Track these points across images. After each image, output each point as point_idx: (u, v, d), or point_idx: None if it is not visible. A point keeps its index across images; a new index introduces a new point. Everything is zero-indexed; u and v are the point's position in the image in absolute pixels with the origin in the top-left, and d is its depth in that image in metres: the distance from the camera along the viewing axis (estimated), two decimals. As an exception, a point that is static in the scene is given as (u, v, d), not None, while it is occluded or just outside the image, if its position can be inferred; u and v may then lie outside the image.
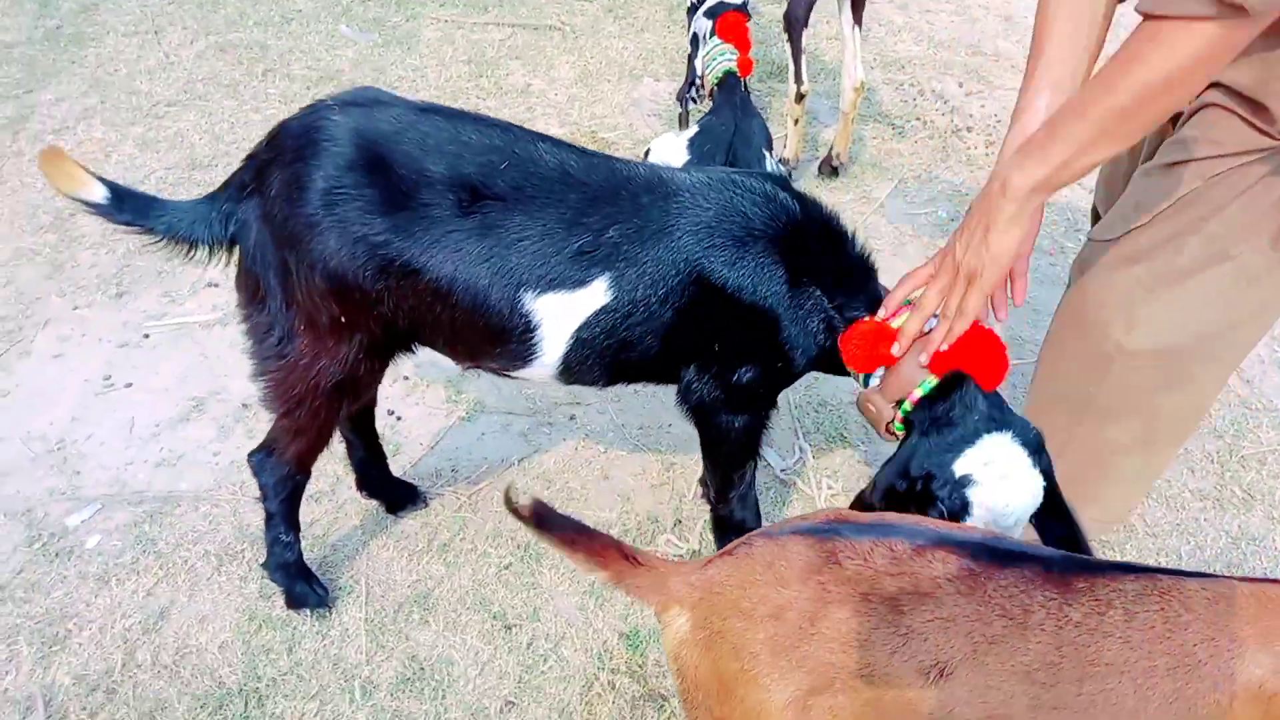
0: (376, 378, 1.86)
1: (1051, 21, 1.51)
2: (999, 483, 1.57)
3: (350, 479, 2.27)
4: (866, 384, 1.74)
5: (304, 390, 1.73)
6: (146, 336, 2.79)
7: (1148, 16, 1.24)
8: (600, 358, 1.76)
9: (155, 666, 1.97)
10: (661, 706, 1.96)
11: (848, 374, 1.80)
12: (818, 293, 1.73)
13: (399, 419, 2.57)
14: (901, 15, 5.03)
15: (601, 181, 1.66)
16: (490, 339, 1.71)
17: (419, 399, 2.63)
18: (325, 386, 1.73)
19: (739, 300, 1.70)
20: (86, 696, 1.91)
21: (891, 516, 1.33)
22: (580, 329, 1.69)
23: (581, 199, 1.64)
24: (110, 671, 1.96)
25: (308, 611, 2.06)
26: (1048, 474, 1.58)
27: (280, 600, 2.07)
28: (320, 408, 1.77)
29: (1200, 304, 1.64)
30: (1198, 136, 1.55)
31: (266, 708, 1.91)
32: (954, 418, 1.61)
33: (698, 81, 3.67)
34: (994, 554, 1.22)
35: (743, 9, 3.68)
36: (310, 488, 2.31)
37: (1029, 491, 1.56)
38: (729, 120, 3.15)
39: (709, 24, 3.60)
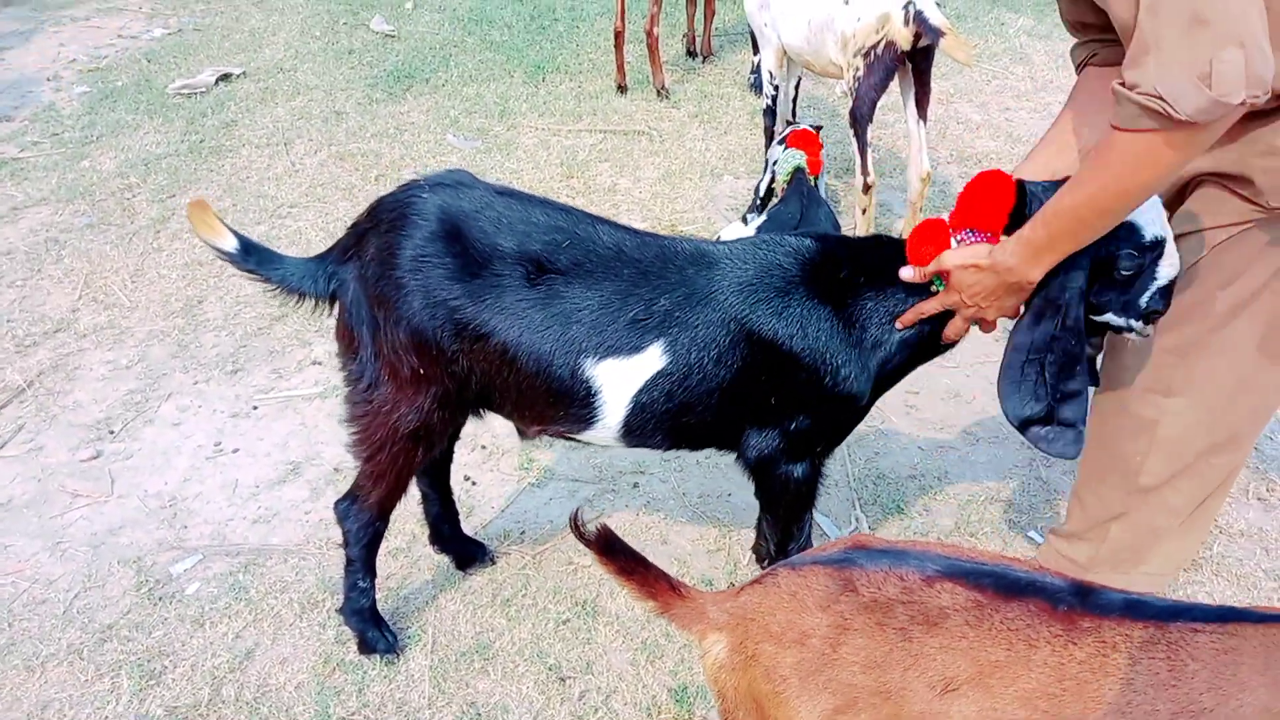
0: (449, 431, 2.03)
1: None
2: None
3: (425, 536, 2.43)
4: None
5: (385, 434, 1.92)
6: (255, 408, 3.07)
7: (1115, 128, 1.42)
8: (660, 420, 1.89)
9: (238, 702, 2.13)
10: (705, 760, 2.00)
11: (939, 352, 1.92)
12: (868, 297, 1.83)
13: (474, 484, 2.73)
14: (980, 113, 5.15)
15: (652, 257, 1.84)
16: (554, 403, 1.86)
17: (494, 466, 2.80)
18: (404, 433, 1.91)
19: (790, 348, 1.81)
20: (176, 726, 2.08)
21: (904, 544, 1.39)
22: (639, 393, 1.83)
23: (634, 273, 1.81)
24: (198, 705, 2.12)
25: (377, 656, 2.19)
26: None
27: (354, 646, 2.22)
28: (399, 453, 1.95)
29: (1229, 362, 1.67)
30: (1198, 210, 1.66)
31: (334, 744, 2.04)
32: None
33: (769, 186, 3.86)
34: (1002, 585, 1.28)
35: (813, 128, 3.89)
36: (388, 543, 2.49)
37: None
38: (795, 209, 3.30)
39: (780, 148, 3.82)
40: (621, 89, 5.40)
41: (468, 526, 2.52)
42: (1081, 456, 1.90)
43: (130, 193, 4.36)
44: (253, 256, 1.96)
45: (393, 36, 6.32)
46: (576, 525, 1.44)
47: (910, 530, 2.52)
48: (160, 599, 2.39)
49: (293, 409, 3.05)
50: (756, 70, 5.06)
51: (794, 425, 1.91)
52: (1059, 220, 1.56)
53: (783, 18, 3.97)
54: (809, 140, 3.78)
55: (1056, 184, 1.65)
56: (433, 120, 5.10)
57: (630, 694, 2.13)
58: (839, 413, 1.92)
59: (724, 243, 1.92)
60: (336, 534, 2.16)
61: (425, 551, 2.46)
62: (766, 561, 2.18)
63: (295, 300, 1.97)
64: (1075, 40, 1.78)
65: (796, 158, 3.69)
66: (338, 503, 2.12)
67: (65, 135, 4.90)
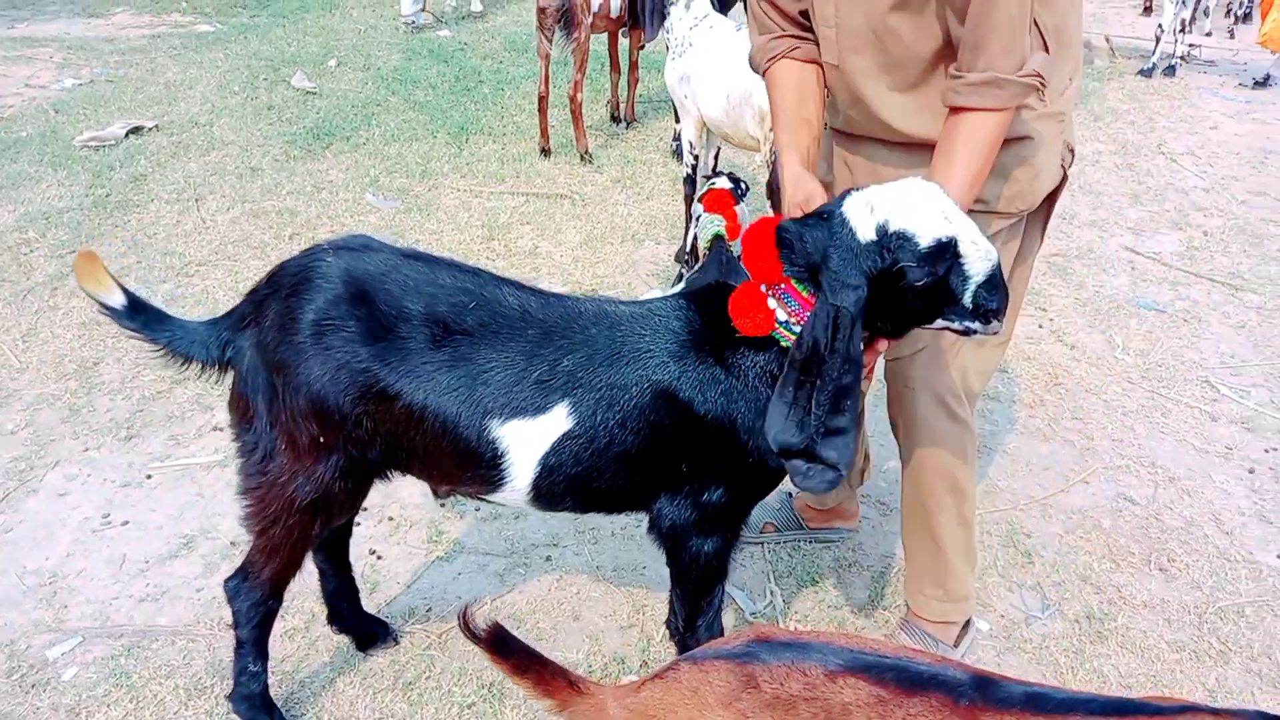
0: (349, 502, 1.93)
1: (780, 103, 1.99)
2: (894, 200, 1.61)
3: (324, 615, 2.32)
4: None
5: (280, 507, 1.83)
6: (149, 477, 2.92)
7: (985, 109, 1.70)
8: (570, 483, 1.83)
9: (112, 800, 1.98)
10: None
11: None
12: (750, 355, 1.78)
13: (379, 558, 2.63)
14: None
15: (556, 318, 1.80)
16: (462, 464, 1.80)
17: (400, 539, 2.70)
18: (300, 504, 1.82)
19: (694, 410, 1.77)
20: (40, 829, 1.92)
21: (807, 636, 1.36)
22: (546, 455, 1.78)
23: (539, 333, 1.77)
24: (67, 804, 1.97)
25: (266, 747, 2.07)
26: None
27: (242, 736, 2.09)
28: (294, 526, 1.85)
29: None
30: None
31: (216, 845, 1.90)
32: (817, 240, 1.66)
33: (690, 250, 3.89)
34: (904, 679, 1.25)
35: (730, 188, 3.95)
36: (285, 624, 2.37)
37: (916, 186, 1.62)
38: (714, 276, 3.32)
39: (700, 206, 3.87)
40: (545, 152, 5.42)
41: (371, 603, 2.41)
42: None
43: (27, 248, 4.19)
44: (139, 316, 1.87)
45: (314, 93, 6.26)
46: (466, 623, 1.37)
47: (827, 603, 2.49)
48: (34, 686, 2.22)
49: (189, 478, 2.91)
50: (678, 137, 5.13)
51: (705, 492, 1.87)
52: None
53: (702, 91, 4.03)
54: (724, 203, 3.82)
55: (810, 220, 1.69)
56: (352, 179, 5.03)
57: (536, 783, 2.04)
58: (749, 476, 1.88)
59: (626, 302, 1.90)
60: (228, 613, 2.04)
61: (324, 631, 2.34)
62: (676, 637, 2.13)
63: (182, 365, 1.88)
64: (769, 36, 1.98)
65: (716, 224, 3.71)
66: (227, 580, 2.00)
67: (-39, 186, 4.70)
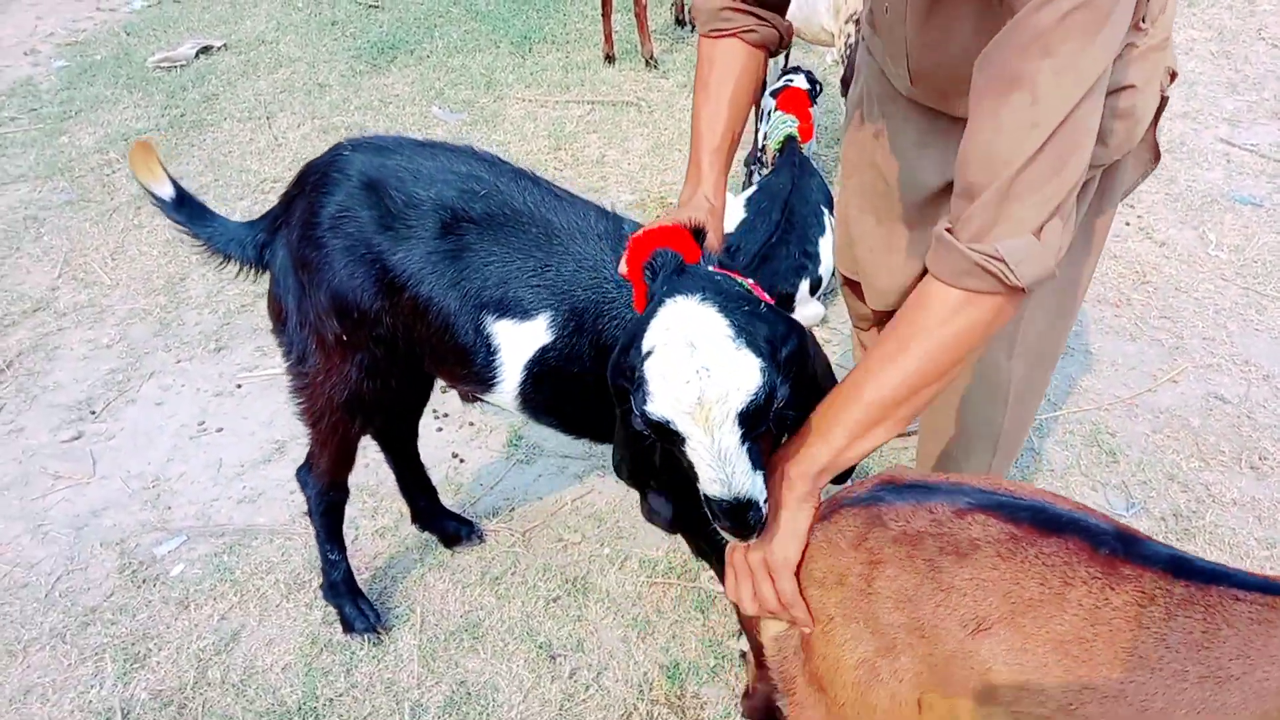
0: (387, 401, 1.92)
1: (715, 92, 1.64)
2: (678, 349, 1.20)
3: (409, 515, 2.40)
4: None
5: (322, 405, 1.87)
6: (239, 386, 3.02)
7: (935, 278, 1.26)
8: (551, 400, 1.74)
9: (224, 685, 2.10)
10: (697, 737, 1.98)
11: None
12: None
13: (462, 461, 2.70)
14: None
15: (563, 222, 1.67)
16: (459, 359, 1.75)
17: (482, 443, 2.76)
18: (337, 403, 1.85)
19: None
20: (160, 711, 2.06)
21: (936, 479, 1.36)
22: (531, 363, 1.69)
23: (541, 234, 1.67)
24: (183, 688, 2.10)
25: (360, 635, 2.17)
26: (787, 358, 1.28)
27: (340, 627, 2.19)
28: (337, 424, 1.90)
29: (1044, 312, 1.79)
30: None
31: (322, 725, 2.02)
32: (653, 292, 1.34)
33: (761, 151, 3.81)
34: (1040, 520, 1.23)
35: (806, 88, 3.83)
36: (376, 522, 2.47)
37: (725, 361, 1.19)
38: (787, 180, 3.26)
39: (773, 102, 3.77)
40: (609, 59, 5.31)
41: (455, 504, 2.49)
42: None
43: (110, 169, 4.28)
44: (184, 209, 1.90)
45: (376, 7, 6.21)
46: None
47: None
48: (144, 581, 2.35)
49: (277, 387, 3.00)
50: (746, 39, 4.98)
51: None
52: (872, 411, 1.28)
53: (772, -16, 3.89)
54: (799, 103, 3.72)
55: (663, 276, 1.36)
56: (418, 92, 5.01)
57: (621, 671, 2.11)
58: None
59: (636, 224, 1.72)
60: (304, 510, 2.12)
61: (412, 530, 2.42)
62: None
63: (223, 263, 1.91)
64: (727, 6, 1.61)
65: (789, 125, 3.63)
66: (299, 470, 2.09)
67: (43, 110, 4.81)
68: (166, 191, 1.89)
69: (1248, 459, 2.61)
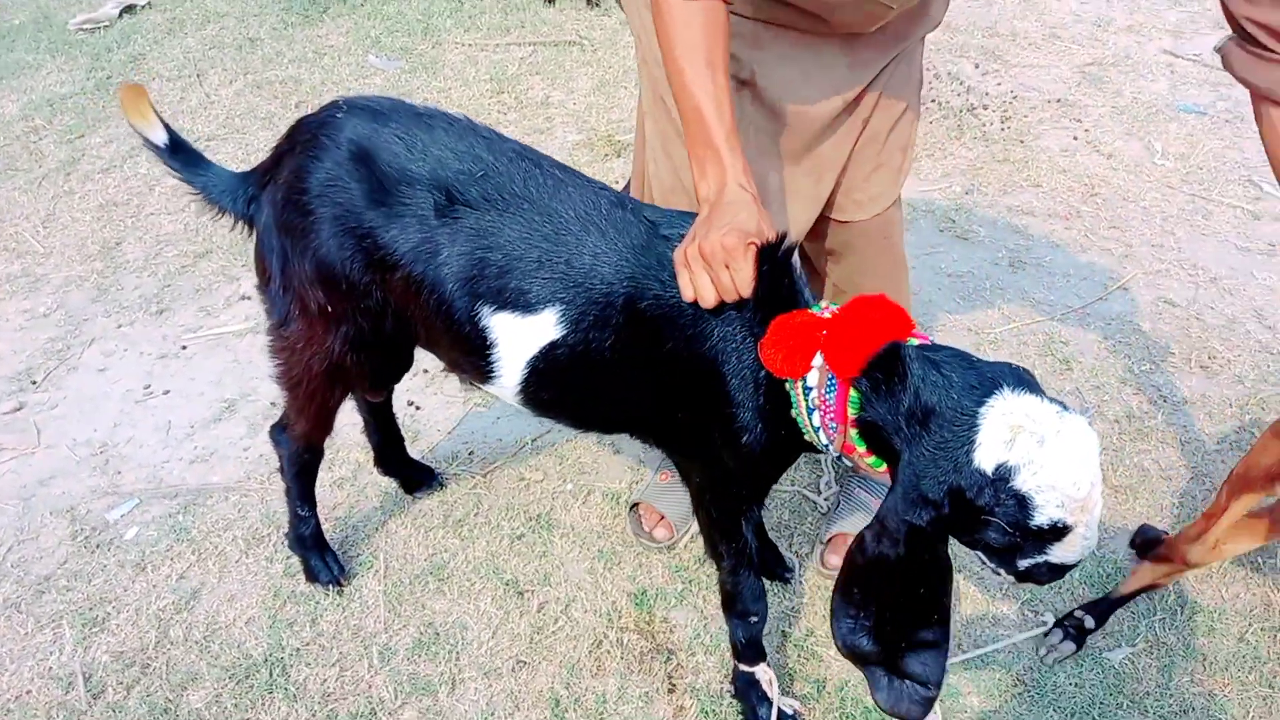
0: (369, 372, 1.87)
1: (695, 87, 1.49)
2: (1045, 451, 1.18)
3: (370, 463, 2.36)
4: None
5: (300, 372, 1.81)
6: (184, 348, 2.94)
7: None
8: (562, 397, 1.68)
9: (187, 642, 2.07)
10: (669, 658, 1.99)
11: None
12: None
13: (418, 409, 2.66)
14: None
15: (571, 211, 1.56)
16: (457, 346, 1.67)
17: (437, 389, 2.73)
18: (317, 371, 1.78)
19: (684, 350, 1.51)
20: (123, 671, 2.02)
21: None
22: (534, 360, 1.59)
23: (547, 221, 1.56)
24: (145, 648, 2.06)
25: (324, 585, 2.14)
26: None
27: (304, 576, 2.16)
28: (316, 391, 1.84)
29: None
30: None
31: (290, 676, 1.99)
32: (927, 404, 1.26)
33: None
34: None
35: None
36: (333, 473, 2.43)
37: (1082, 442, 1.20)
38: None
39: None
40: (549, -1, 5.20)
41: (414, 451, 2.45)
42: None
43: (35, 135, 4.13)
44: (179, 155, 1.83)
45: (305, -43, 6.00)
46: None
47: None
48: (98, 546, 2.30)
49: (224, 346, 2.94)
50: (686, -29, 4.88)
51: (709, 453, 1.60)
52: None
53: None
54: None
55: (932, 345, 1.34)
56: (353, 42, 4.87)
57: (589, 602, 2.11)
58: (744, 450, 1.56)
59: (657, 211, 1.60)
60: (277, 466, 2.09)
61: (372, 478, 2.39)
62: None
63: (216, 214, 1.84)
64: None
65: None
66: (272, 428, 2.04)
67: (-40, 79, 4.62)
68: (160, 136, 1.81)
69: (1197, 359, 2.65)
